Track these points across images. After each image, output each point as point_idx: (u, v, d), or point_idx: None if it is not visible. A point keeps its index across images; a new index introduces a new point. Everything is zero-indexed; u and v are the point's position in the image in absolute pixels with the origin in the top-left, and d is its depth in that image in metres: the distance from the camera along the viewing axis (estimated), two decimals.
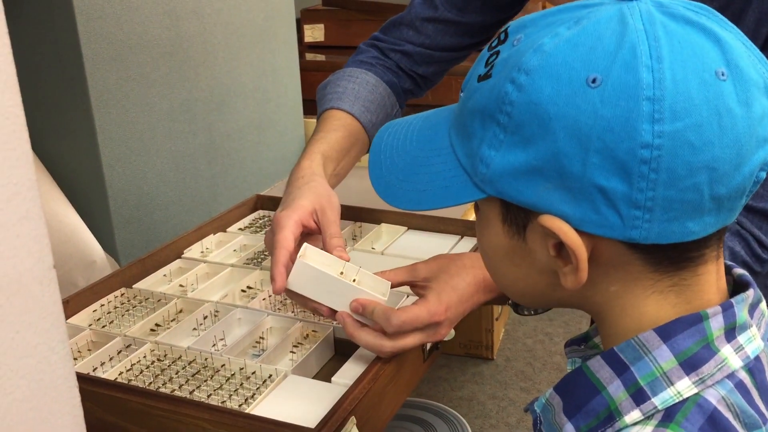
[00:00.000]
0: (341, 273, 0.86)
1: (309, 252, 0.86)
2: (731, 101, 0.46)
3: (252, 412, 0.78)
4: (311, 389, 0.83)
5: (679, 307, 0.51)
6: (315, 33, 2.49)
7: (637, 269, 0.50)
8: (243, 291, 1.05)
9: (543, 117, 0.47)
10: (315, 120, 1.98)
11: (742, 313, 0.51)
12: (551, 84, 0.47)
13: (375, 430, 0.80)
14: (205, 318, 0.98)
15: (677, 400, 0.48)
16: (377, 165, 0.60)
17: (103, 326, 0.98)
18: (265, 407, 0.80)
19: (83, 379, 0.83)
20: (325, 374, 0.88)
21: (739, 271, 0.55)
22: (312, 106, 2.10)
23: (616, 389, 0.50)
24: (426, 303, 0.83)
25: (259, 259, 1.13)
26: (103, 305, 1.02)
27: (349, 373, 0.84)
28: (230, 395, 0.82)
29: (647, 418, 0.49)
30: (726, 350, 0.49)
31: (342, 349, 0.92)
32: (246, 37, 1.62)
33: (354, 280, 0.86)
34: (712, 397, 0.48)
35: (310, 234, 0.92)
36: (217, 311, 0.99)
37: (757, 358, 0.51)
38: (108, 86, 1.25)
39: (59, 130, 1.26)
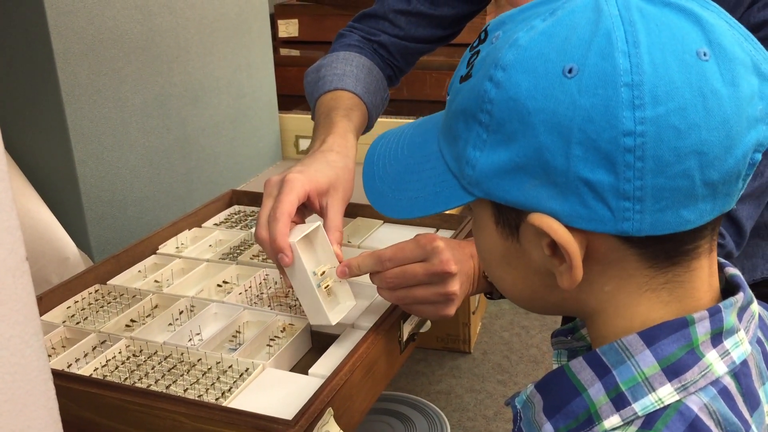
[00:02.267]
0: (323, 272, 0.86)
1: (319, 234, 0.87)
2: (716, 82, 0.44)
3: (229, 405, 0.78)
4: (288, 382, 0.83)
5: (670, 306, 0.50)
6: (289, 28, 2.48)
7: (633, 266, 0.49)
8: (219, 286, 1.05)
9: (522, 112, 0.46)
10: (289, 115, 1.98)
11: (730, 317, 0.50)
12: (528, 78, 0.46)
13: (352, 421, 0.81)
14: (180, 313, 0.97)
15: (658, 407, 0.47)
16: (371, 176, 0.60)
17: (78, 323, 0.97)
18: (242, 400, 0.79)
19: (58, 376, 0.82)
20: (302, 367, 0.88)
21: (732, 270, 0.54)
22: (287, 102, 2.10)
23: (596, 392, 0.49)
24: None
25: (235, 254, 1.13)
26: (77, 302, 1.01)
27: (326, 365, 0.84)
28: (207, 389, 0.82)
29: (626, 424, 0.48)
30: (711, 356, 0.48)
31: (319, 342, 0.92)
32: (219, 31, 1.61)
33: (327, 286, 0.86)
34: (694, 404, 0.47)
35: (304, 208, 0.91)
36: (192, 306, 0.99)
37: (744, 363, 0.50)
38: (79, 81, 1.24)
39: (30, 127, 1.24)
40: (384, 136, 0.63)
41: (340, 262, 0.87)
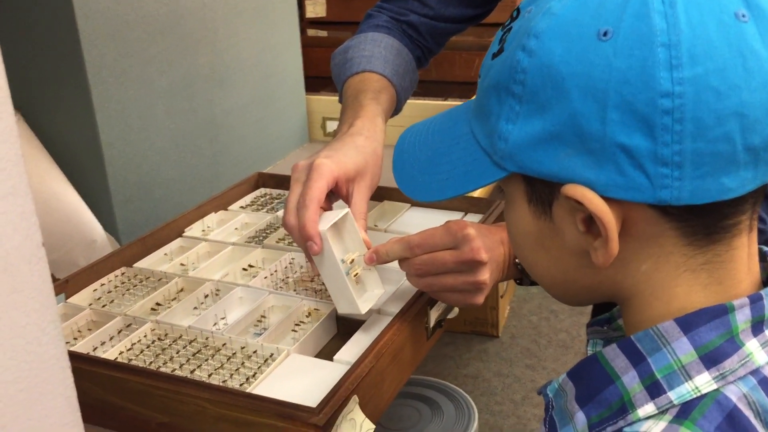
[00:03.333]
0: (352, 260, 0.84)
1: (348, 221, 0.85)
2: (755, 42, 0.43)
3: (253, 392, 0.77)
4: (313, 368, 0.82)
5: (709, 289, 0.48)
6: (317, 8, 2.46)
7: (671, 242, 0.47)
8: (244, 269, 1.04)
9: (556, 79, 0.45)
10: (316, 97, 1.96)
11: None
12: (561, 43, 0.45)
13: (378, 408, 0.79)
14: (206, 297, 0.97)
15: (695, 396, 0.46)
16: (401, 164, 0.59)
17: (104, 305, 0.97)
18: (266, 386, 0.79)
19: (83, 359, 0.82)
20: (327, 353, 0.87)
21: None
22: (314, 83, 2.08)
23: (630, 380, 0.48)
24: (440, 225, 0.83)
25: (261, 238, 1.12)
26: (103, 284, 1.01)
27: (352, 351, 0.82)
28: (231, 374, 0.81)
29: (661, 412, 0.46)
30: (752, 345, 0.47)
31: (345, 328, 0.91)
32: (246, 12, 1.59)
33: (356, 274, 0.85)
34: (733, 394, 0.45)
35: (331, 194, 0.89)
36: (218, 290, 0.98)
37: None
38: (105, 63, 1.23)
39: (56, 109, 1.24)
40: (412, 127, 0.62)
41: (368, 249, 0.86)
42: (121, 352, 0.86)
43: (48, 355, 0.46)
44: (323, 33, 2.41)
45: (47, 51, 1.21)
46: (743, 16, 0.43)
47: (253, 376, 0.80)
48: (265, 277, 1.00)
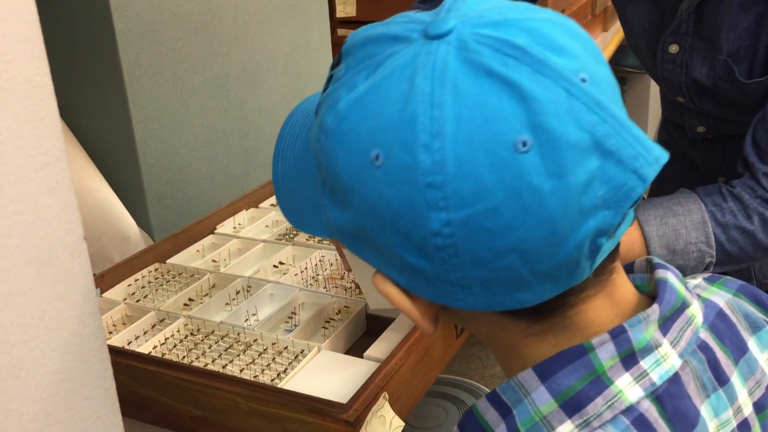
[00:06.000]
0: None
1: None
2: (536, 177, 0.39)
3: (284, 387, 0.78)
4: (344, 364, 0.82)
5: (560, 346, 0.46)
6: (347, 8, 2.46)
7: (498, 319, 0.46)
8: (275, 266, 1.05)
9: (343, 186, 0.44)
10: None
11: (642, 334, 0.45)
12: (344, 153, 0.44)
13: (407, 405, 0.80)
14: (237, 293, 0.98)
15: None
16: (277, 162, 0.57)
17: (137, 300, 0.99)
18: (297, 382, 0.79)
19: (118, 353, 0.84)
20: (357, 350, 0.87)
21: (660, 274, 0.49)
22: None
23: None
24: None
25: (291, 235, 1.13)
26: (137, 280, 1.03)
27: (382, 348, 0.83)
28: (263, 370, 0.82)
29: None
30: (621, 381, 0.44)
31: (374, 325, 0.91)
32: (277, 11, 1.60)
33: None
34: None
35: None
36: (249, 286, 0.99)
37: (672, 380, 0.45)
38: (140, 62, 1.25)
39: (92, 106, 1.26)
40: (294, 112, 0.59)
41: None
42: (155, 347, 0.88)
43: (88, 347, 0.47)
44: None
45: (84, 49, 1.23)
46: (524, 144, 0.39)
47: (284, 371, 0.81)
48: (296, 275, 1.00)
